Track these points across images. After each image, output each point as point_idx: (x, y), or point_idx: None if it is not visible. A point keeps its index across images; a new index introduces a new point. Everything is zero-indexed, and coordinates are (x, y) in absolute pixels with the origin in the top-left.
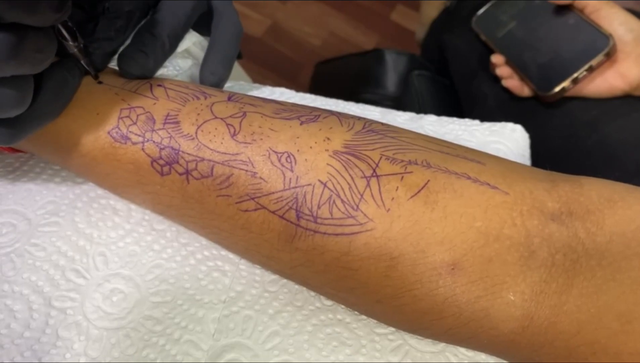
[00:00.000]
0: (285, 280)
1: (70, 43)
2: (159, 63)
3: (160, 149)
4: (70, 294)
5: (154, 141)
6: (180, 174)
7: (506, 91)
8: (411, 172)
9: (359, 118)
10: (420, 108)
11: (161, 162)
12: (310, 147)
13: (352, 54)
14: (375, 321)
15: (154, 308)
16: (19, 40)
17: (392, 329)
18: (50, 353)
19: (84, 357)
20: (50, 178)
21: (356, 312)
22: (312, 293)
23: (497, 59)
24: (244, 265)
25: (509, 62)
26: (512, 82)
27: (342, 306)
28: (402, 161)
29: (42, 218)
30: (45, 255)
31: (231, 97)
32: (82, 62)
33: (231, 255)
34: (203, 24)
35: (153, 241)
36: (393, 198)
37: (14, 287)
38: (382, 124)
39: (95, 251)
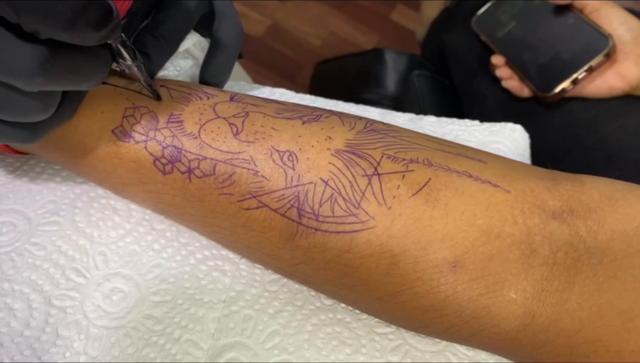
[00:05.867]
0: (285, 280)
1: (129, 63)
2: (161, 65)
3: (163, 148)
4: (70, 293)
5: (156, 140)
6: (182, 173)
7: (506, 91)
8: (412, 170)
9: (361, 118)
10: (420, 108)
11: (163, 161)
12: (312, 146)
13: (352, 54)
14: (375, 320)
15: (154, 307)
16: (47, 57)
17: (392, 328)
18: (50, 352)
19: (83, 356)
20: (50, 178)
21: (356, 312)
22: (312, 293)
23: (497, 60)
24: (244, 265)
25: (509, 62)
26: (512, 83)
27: (342, 305)
28: (404, 159)
29: (42, 217)
30: (45, 254)
31: (233, 97)
32: (141, 81)
33: (231, 255)
34: (203, 25)
35: (153, 241)
36: (394, 196)
37: (14, 286)
38: (384, 123)
39: (96, 250)
